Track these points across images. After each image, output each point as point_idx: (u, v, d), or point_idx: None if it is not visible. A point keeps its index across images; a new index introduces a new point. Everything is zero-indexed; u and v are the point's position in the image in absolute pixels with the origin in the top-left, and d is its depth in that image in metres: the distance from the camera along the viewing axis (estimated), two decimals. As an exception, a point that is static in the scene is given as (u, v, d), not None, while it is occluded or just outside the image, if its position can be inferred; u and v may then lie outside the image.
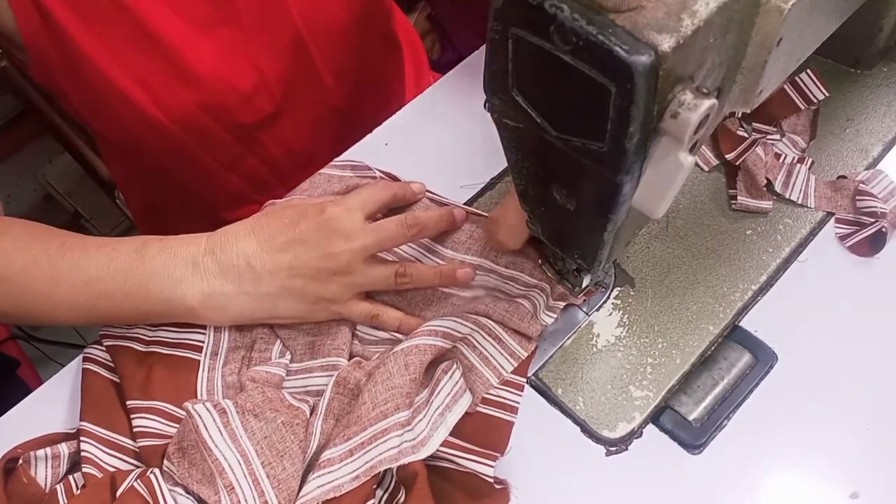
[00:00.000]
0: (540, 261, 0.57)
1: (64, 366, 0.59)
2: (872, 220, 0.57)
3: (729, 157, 0.62)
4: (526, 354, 0.54)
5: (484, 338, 0.54)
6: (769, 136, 0.65)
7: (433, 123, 0.70)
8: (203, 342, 0.57)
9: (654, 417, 0.53)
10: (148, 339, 0.57)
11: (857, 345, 0.54)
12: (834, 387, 0.53)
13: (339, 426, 0.51)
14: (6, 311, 0.54)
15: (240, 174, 0.79)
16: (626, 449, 0.52)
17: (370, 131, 0.70)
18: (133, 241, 0.55)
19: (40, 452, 0.51)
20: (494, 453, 0.50)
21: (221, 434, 0.49)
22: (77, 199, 1.71)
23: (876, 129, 0.64)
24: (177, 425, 0.53)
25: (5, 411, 0.57)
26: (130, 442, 0.53)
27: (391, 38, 0.86)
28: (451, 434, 0.50)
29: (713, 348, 0.55)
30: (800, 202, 0.60)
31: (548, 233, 0.50)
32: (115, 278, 0.53)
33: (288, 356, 0.56)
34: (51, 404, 0.57)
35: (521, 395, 0.53)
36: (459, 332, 0.53)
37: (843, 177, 0.61)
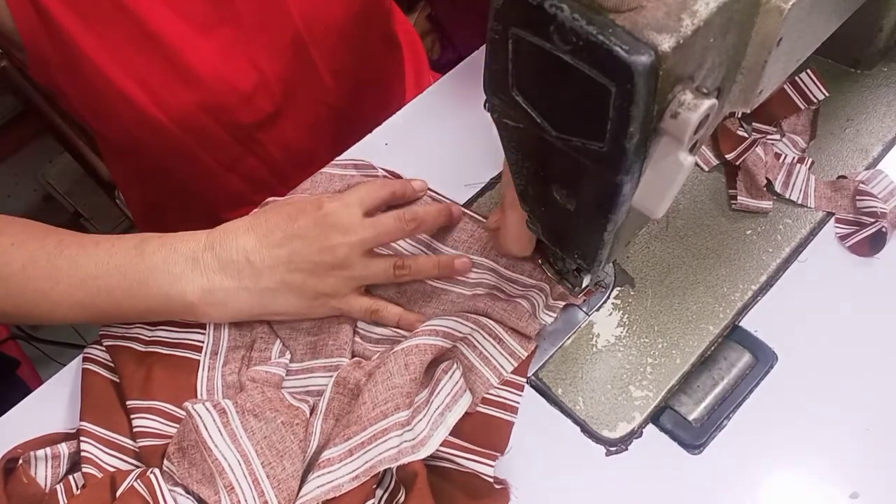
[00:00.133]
0: (540, 261, 0.57)
1: (64, 366, 0.59)
2: (872, 220, 0.57)
3: (729, 157, 0.62)
4: (526, 354, 0.54)
5: (484, 338, 0.54)
6: (769, 136, 0.65)
7: (433, 123, 0.70)
8: (203, 342, 0.57)
9: (654, 417, 0.53)
10: (147, 339, 0.57)
11: (857, 345, 0.54)
12: (834, 387, 0.53)
13: (339, 426, 0.51)
14: (6, 311, 0.54)
15: (240, 174, 0.79)
16: (626, 449, 0.52)
17: (370, 131, 0.70)
18: (132, 238, 0.55)
19: (40, 452, 0.51)
20: (494, 453, 0.50)
21: (221, 434, 0.49)
22: (77, 199, 1.71)
23: (876, 129, 0.64)
24: (177, 425, 0.53)
25: (5, 411, 0.57)
26: (130, 442, 0.53)
27: (391, 38, 0.86)
28: (452, 434, 0.50)
29: (713, 348, 0.55)
30: (800, 202, 0.61)
31: (548, 233, 0.50)
32: (114, 275, 0.53)
33: (288, 356, 0.56)
34: (51, 404, 0.57)
35: (521, 395, 0.53)
36: (460, 332, 0.53)
37: (843, 177, 0.61)
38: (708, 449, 0.51)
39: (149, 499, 0.48)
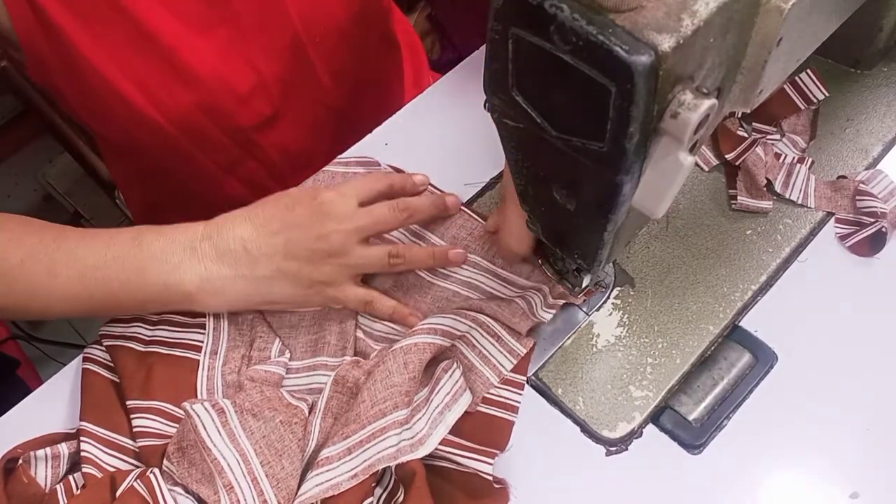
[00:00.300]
0: (540, 261, 0.57)
1: (64, 366, 0.59)
2: (872, 220, 0.57)
3: (729, 157, 0.62)
4: (525, 351, 0.54)
5: (482, 335, 0.54)
6: (769, 136, 0.65)
7: (433, 123, 0.70)
8: (202, 342, 0.57)
9: (654, 417, 0.53)
10: (147, 338, 0.57)
11: (857, 345, 0.54)
12: (834, 387, 0.53)
13: (338, 424, 0.51)
14: (5, 306, 0.55)
15: (238, 177, 0.79)
16: (626, 449, 0.52)
17: (369, 132, 0.70)
18: (129, 231, 0.55)
19: (40, 452, 0.51)
20: (494, 451, 0.50)
21: (220, 434, 0.49)
22: (77, 199, 1.72)
23: (876, 129, 0.64)
24: (176, 425, 0.53)
25: (5, 411, 0.57)
26: (130, 442, 0.53)
27: (390, 39, 0.86)
28: (452, 433, 0.50)
29: (713, 348, 0.55)
30: (800, 202, 0.60)
31: (548, 233, 0.50)
32: (113, 266, 0.53)
33: (287, 354, 0.56)
34: (51, 404, 0.57)
35: (521, 394, 0.53)
36: (458, 330, 0.54)
37: (843, 177, 0.61)
38: (708, 449, 0.51)
39: (148, 498, 0.48)
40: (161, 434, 0.53)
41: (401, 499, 0.48)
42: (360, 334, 0.57)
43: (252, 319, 0.58)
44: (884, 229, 0.56)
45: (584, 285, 0.56)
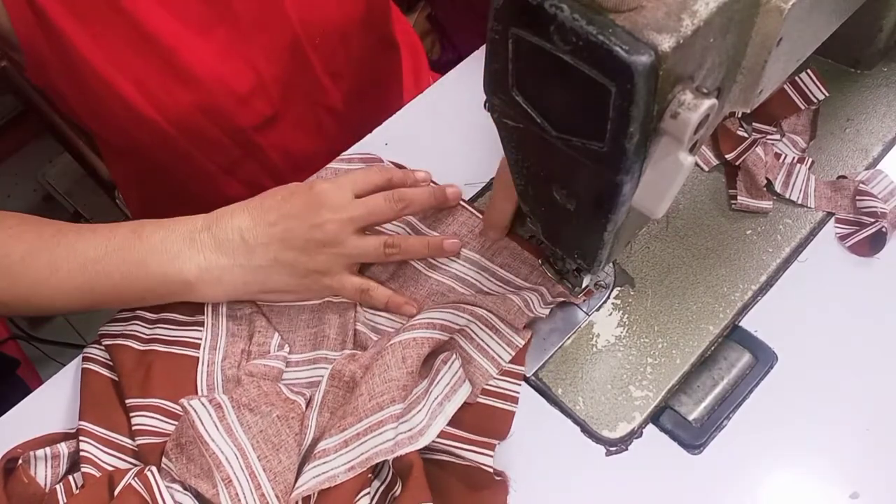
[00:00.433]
0: (540, 261, 0.57)
1: (64, 366, 0.59)
2: (872, 220, 0.57)
3: (729, 157, 0.62)
4: (523, 342, 0.54)
5: (480, 328, 0.54)
6: (769, 136, 0.65)
7: (433, 123, 0.70)
8: (201, 339, 0.57)
9: (654, 417, 0.53)
10: (146, 336, 0.57)
11: (857, 345, 0.54)
12: (834, 387, 0.53)
13: (335, 418, 0.51)
14: (6, 301, 0.55)
15: (238, 178, 0.79)
16: (626, 449, 0.52)
17: (368, 133, 0.70)
18: (129, 224, 0.56)
19: (40, 452, 0.51)
20: (493, 441, 0.50)
21: (217, 428, 0.49)
22: (77, 199, 1.72)
23: (876, 129, 0.64)
24: (175, 422, 0.53)
25: (5, 411, 0.57)
26: (130, 441, 0.53)
27: (389, 40, 0.86)
28: (452, 425, 0.50)
29: (713, 348, 0.55)
30: (800, 202, 0.60)
31: (548, 233, 0.50)
32: (113, 258, 0.54)
33: (287, 348, 0.57)
34: (51, 404, 0.57)
35: (520, 385, 0.53)
36: (456, 324, 0.54)
37: (843, 177, 0.61)
38: (708, 449, 0.51)
39: (146, 497, 0.48)
40: (160, 432, 0.53)
41: (398, 491, 0.48)
42: (359, 327, 0.57)
43: (250, 314, 0.58)
44: (884, 229, 0.56)
45: (584, 285, 0.56)
